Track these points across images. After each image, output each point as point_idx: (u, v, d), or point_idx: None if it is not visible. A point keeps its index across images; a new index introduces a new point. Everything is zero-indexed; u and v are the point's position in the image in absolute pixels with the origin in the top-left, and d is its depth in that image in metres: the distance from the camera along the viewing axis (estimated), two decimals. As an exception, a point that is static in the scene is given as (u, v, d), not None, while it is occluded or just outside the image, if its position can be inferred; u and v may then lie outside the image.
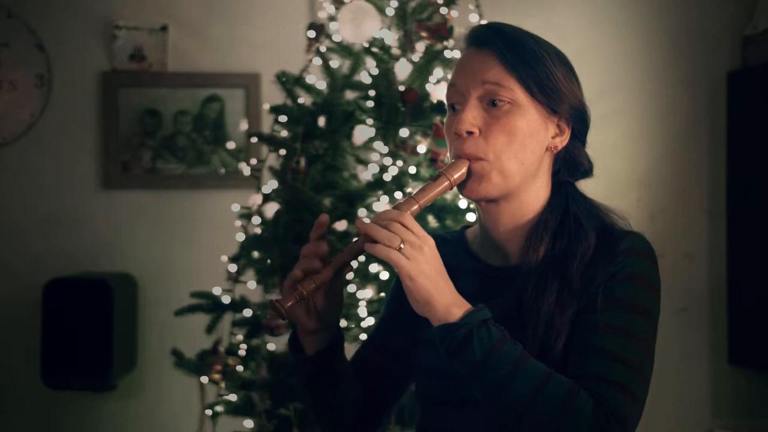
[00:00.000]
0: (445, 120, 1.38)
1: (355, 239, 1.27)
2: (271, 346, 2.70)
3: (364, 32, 2.66)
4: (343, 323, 2.48)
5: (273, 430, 2.60)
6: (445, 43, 2.63)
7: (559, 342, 1.26)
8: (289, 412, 2.53)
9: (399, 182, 2.51)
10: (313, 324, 1.33)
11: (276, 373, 2.64)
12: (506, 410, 1.21)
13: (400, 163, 2.53)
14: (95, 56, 3.58)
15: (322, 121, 2.66)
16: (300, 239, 2.59)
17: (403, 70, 2.60)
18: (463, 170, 1.31)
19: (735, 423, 3.70)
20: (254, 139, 2.91)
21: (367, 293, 2.51)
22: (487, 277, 1.38)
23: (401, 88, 2.56)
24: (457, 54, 2.64)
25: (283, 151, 2.74)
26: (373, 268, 2.50)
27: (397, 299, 1.43)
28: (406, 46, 2.66)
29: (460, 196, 2.52)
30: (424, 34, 2.62)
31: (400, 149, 2.54)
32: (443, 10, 2.67)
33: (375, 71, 2.66)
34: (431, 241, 1.24)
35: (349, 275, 2.52)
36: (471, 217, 2.50)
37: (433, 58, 2.63)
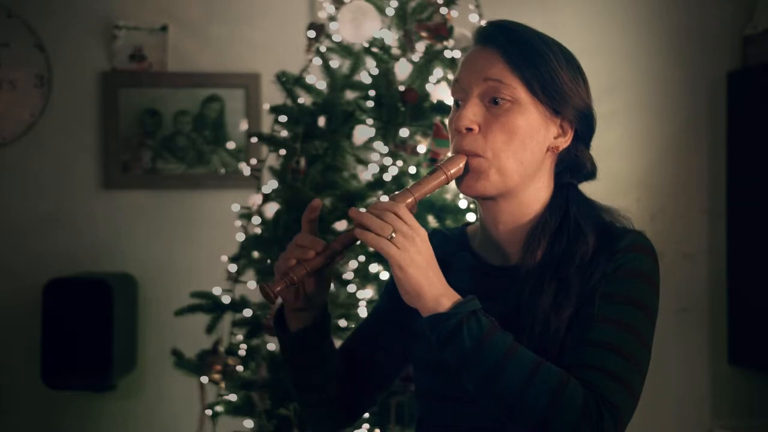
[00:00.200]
0: (449, 116, 1.39)
1: (348, 228, 1.28)
2: (271, 346, 2.70)
3: (364, 32, 2.66)
4: (343, 323, 2.48)
5: (273, 430, 2.60)
6: (445, 43, 2.63)
7: (556, 343, 1.26)
8: (289, 412, 2.53)
9: (399, 182, 2.51)
10: (300, 304, 1.34)
11: (276, 373, 2.64)
12: (497, 400, 1.21)
13: (400, 163, 2.53)
14: (95, 56, 3.58)
15: (322, 121, 2.66)
16: (300, 239, 2.58)
17: (403, 70, 2.60)
18: (460, 165, 1.31)
19: (735, 423, 3.70)
20: (254, 139, 2.91)
21: (367, 293, 2.51)
22: (486, 276, 1.38)
23: (401, 88, 2.56)
24: (457, 54, 2.64)
25: (283, 151, 2.74)
26: (373, 268, 2.50)
27: (391, 293, 1.43)
28: (406, 46, 2.66)
29: (461, 196, 2.53)
30: (424, 34, 2.62)
31: (400, 149, 2.54)
32: (443, 10, 2.67)
33: (375, 71, 2.66)
34: (423, 233, 1.24)
35: (349, 275, 2.53)
36: (471, 217, 2.50)
37: (433, 58, 2.63)
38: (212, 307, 2.74)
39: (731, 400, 3.76)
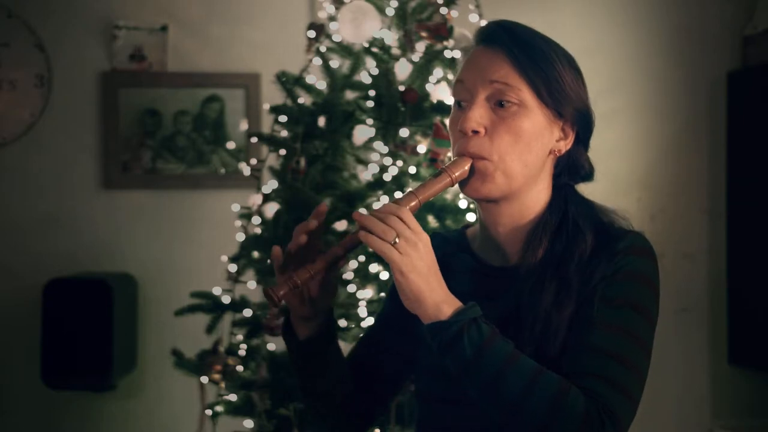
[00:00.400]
0: (449, 116, 1.38)
1: (351, 230, 1.27)
2: (271, 346, 2.70)
3: (364, 32, 2.66)
4: (343, 323, 2.48)
5: (273, 430, 2.60)
6: (445, 43, 2.63)
7: (556, 343, 1.26)
8: (289, 412, 2.53)
9: (399, 182, 2.51)
10: (307, 311, 1.34)
11: (276, 373, 2.64)
12: (498, 407, 1.21)
13: (400, 163, 2.53)
14: (95, 56, 3.58)
15: (322, 121, 2.66)
16: (300, 239, 2.58)
17: (403, 70, 2.60)
18: (465, 168, 1.30)
19: (735, 423, 3.70)
20: (254, 139, 2.91)
21: (367, 293, 2.51)
22: (486, 277, 1.38)
23: (401, 88, 2.56)
24: (457, 54, 2.64)
25: (283, 151, 2.74)
26: (373, 268, 2.50)
27: (393, 297, 1.43)
28: (406, 46, 2.66)
29: (461, 196, 2.53)
30: (424, 34, 2.62)
31: (400, 149, 2.54)
32: (443, 10, 2.67)
33: (375, 71, 2.66)
34: (426, 238, 1.24)
35: (349, 275, 2.53)
36: (471, 217, 2.50)
37: (433, 58, 2.63)
38: (212, 307, 2.74)
39: (731, 400, 3.76)
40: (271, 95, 2.94)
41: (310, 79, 2.77)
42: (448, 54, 2.65)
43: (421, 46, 2.65)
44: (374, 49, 2.70)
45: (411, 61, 2.63)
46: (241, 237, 2.77)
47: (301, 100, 2.75)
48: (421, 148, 2.54)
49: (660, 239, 3.60)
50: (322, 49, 2.76)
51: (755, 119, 3.59)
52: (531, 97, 1.30)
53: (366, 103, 2.65)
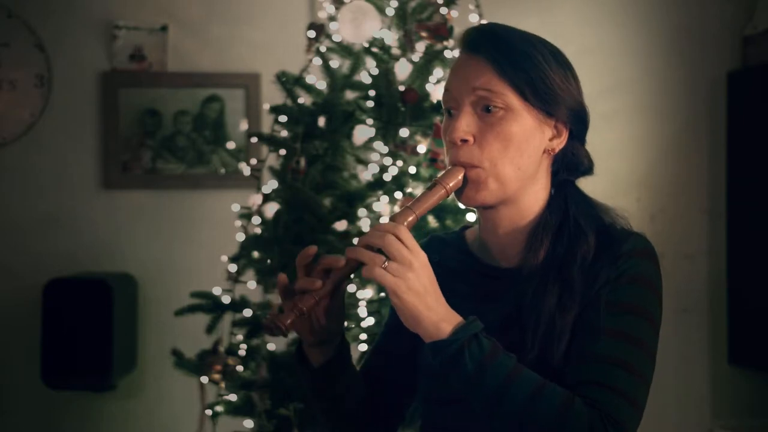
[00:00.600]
0: (442, 124, 1.37)
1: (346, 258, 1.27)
2: (271, 346, 2.70)
3: (364, 32, 2.66)
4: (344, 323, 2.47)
5: (273, 430, 2.60)
6: (445, 43, 2.63)
7: (560, 346, 1.26)
8: (289, 412, 2.53)
9: (399, 182, 2.51)
10: (317, 337, 1.33)
11: (276, 373, 2.64)
12: (502, 421, 1.21)
13: (400, 163, 2.53)
14: (95, 56, 3.58)
15: (322, 121, 2.66)
16: (300, 239, 2.59)
17: (403, 70, 2.60)
18: (459, 178, 1.30)
19: (735, 423, 3.70)
20: (254, 139, 2.91)
21: (367, 293, 2.51)
22: (487, 279, 1.37)
23: (401, 88, 2.56)
24: (457, 54, 2.63)
25: (283, 151, 2.74)
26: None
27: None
28: (406, 46, 2.66)
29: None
30: (424, 34, 2.62)
31: (400, 149, 2.54)
32: (443, 10, 2.67)
33: (375, 71, 2.66)
34: (422, 256, 1.22)
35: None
36: (471, 217, 2.50)
37: (433, 58, 2.63)
38: (212, 307, 2.74)
39: (731, 400, 3.76)
40: (271, 95, 2.94)
41: (310, 79, 2.77)
42: (448, 54, 2.65)
43: (421, 46, 2.65)
44: (374, 49, 2.70)
45: (411, 61, 2.63)
46: (241, 237, 2.77)
47: (301, 100, 2.75)
48: (421, 148, 2.54)
49: (660, 239, 3.60)
50: (322, 49, 2.76)
51: (755, 119, 3.59)
52: (517, 100, 1.29)
53: (366, 103, 2.65)
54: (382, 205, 2.55)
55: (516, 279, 1.32)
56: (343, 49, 2.76)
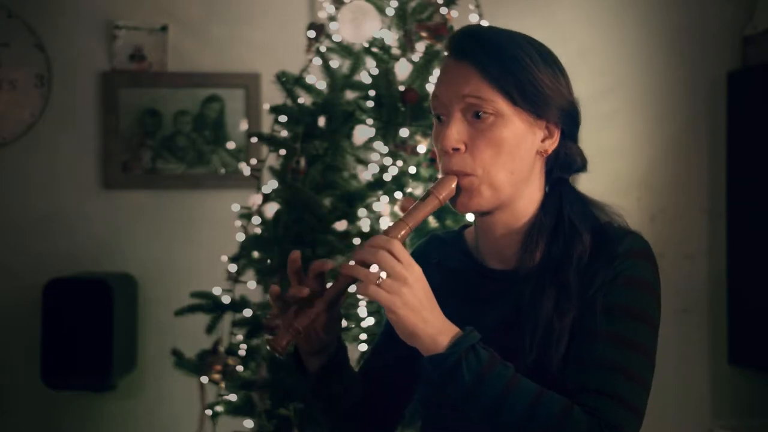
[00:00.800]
0: (432, 130, 1.36)
1: (340, 274, 1.27)
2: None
3: (364, 32, 2.66)
4: (342, 323, 2.47)
5: (273, 430, 2.60)
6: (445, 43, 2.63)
7: (559, 349, 1.25)
8: (289, 412, 2.53)
9: (399, 182, 2.51)
10: (314, 347, 1.34)
11: (276, 373, 2.64)
12: (502, 430, 1.21)
13: (400, 163, 2.53)
14: (95, 56, 3.58)
15: (322, 121, 2.66)
16: (300, 239, 2.59)
17: (403, 70, 2.60)
18: (452, 186, 1.29)
19: (735, 423, 3.70)
20: (254, 139, 2.91)
21: (367, 293, 2.51)
22: (485, 280, 1.37)
23: (401, 88, 2.56)
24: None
25: (283, 151, 2.74)
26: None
27: None
28: (406, 46, 2.66)
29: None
30: (424, 34, 2.62)
31: (400, 149, 2.54)
32: (443, 10, 2.67)
33: (375, 71, 2.66)
34: (417, 270, 1.22)
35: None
36: (470, 216, 2.49)
37: (433, 58, 2.63)
38: (212, 307, 2.74)
39: (731, 400, 3.76)
40: (271, 95, 2.94)
41: (310, 79, 2.77)
42: (448, 54, 2.64)
43: (421, 46, 2.65)
44: (374, 49, 2.70)
45: (411, 61, 2.63)
46: (241, 237, 2.77)
47: (301, 100, 2.75)
48: (421, 148, 2.54)
49: (660, 239, 3.60)
50: (322, 49, 2.76)
51: (755, 119, 3.59)
52: (506, 105, 1.28)
53: (366, 103, 2.65)
54: (382, 205, 2.55)
55: (514, 281, 1.32)
56: (343, 49, 2.76)
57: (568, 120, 1.33)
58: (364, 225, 2.56)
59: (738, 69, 3.74)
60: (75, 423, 3.54)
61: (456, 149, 1.29)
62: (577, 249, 1.29)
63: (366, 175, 2.65)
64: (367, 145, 2.65)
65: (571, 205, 1.34)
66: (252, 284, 2.75)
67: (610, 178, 3.50)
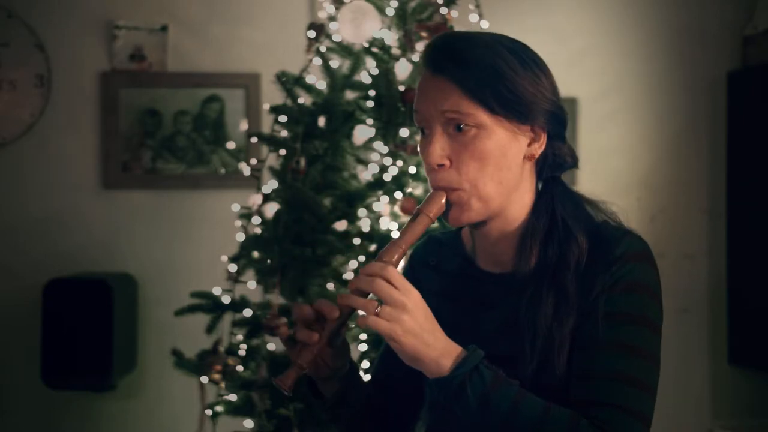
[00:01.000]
0: (418, 143, 1.35)
1: (341, 292, 1.27)
2: (271, 346, 2.70)
3: (364, 32, 2.66)
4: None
5: (273, 430, 2.60)
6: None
7: (561, 358, 1.25)
8: (289, 412, 2.53)
9: (399, 182, 2.51)
10: (324, 373, 1.34)
11: (276, 373, 2.63)
12: None
13: (400, 163, 2.53)
14: (95, 56, 3.58)
15: (322, 121, 2.66)
16: (300, 239, 2.59)
17: (403, 70, 2.60)
18: (442, 202, 1.29)
19: (735, 423, 3.70)
20: (254, 139, 2.91)
21: (367, 293, 2.51)
22: (483, 284, 1.36)
23: (401, 88, 2.56)
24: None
25: (283, 151, 2.74)
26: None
27: None
28: (406, 46, 2.66)
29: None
30: (424, 34, 2.62)
31: (400, 149, 2.54)
32: (443, 10, 2.67)
33: (375, 71, 2.66)
34: (415, 295, 1.21)
35: (349, 275, 2.53)
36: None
37: (433, 58, 2.62)
38: (212, 307, 2.74)
39: (731, 400, 3.77)
40: (271, 95, 2.94)
41: (310, 79, 2.77)
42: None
43: (421, 46, 2.65)
44: (374, 49, 2.70)
45: (411, 61, 2.63)
46: (241, 237, 2.77)
47: (301, 100, 2.75)
48: (421, 148, 2.54)
49: (660, 239, 3.61)
50: (322, 49, 2.76)
51: (755, 119, 3.59)
52: (487, 116, 1.26)
53: (366, 103, 2.65)
54: (382, 205, 2.55)
55: (512, 285, 1.31)
56: (343, 49, 2.76)
57: (553, 121, 1.31)
58: (364, 225, 2.56)
59: (738, 69, 3.74)
60: (75, 423, 3.54)
61: (441, 165, 1.28)
62: (573, 252, 1.28)
63: (366, 175, 2.65)
64: (367, 145, 2.65)
65: (564, 206, 1.33)
66: (252, 284, 2.75)
67: (610, 178, 3.50)
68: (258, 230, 2.73)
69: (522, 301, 1.28)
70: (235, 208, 2.85)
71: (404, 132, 2.53)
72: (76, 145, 3.58)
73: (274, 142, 2.75)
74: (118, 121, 3.58)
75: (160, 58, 3.58)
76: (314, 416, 2.40)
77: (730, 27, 3.78)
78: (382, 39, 2.71)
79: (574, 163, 1.35)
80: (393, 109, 2.58)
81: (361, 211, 2.58)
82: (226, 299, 2.73)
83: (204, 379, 2.69)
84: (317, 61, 2.75)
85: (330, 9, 2.75)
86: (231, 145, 3.56)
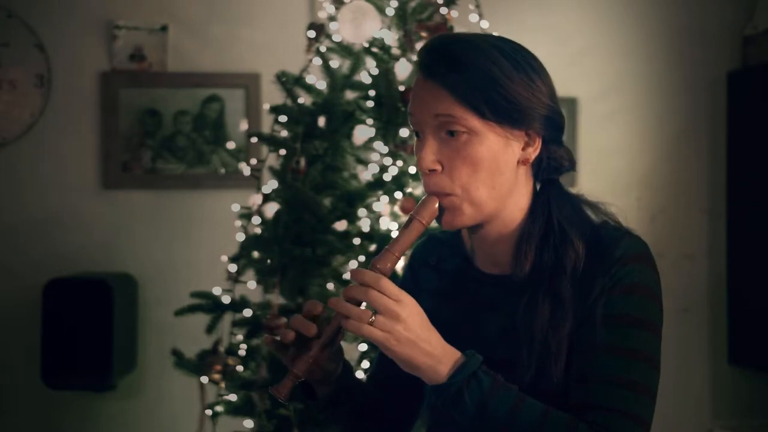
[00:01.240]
0: (414, 145, 1.35)
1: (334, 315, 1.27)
2: (271, 346, 2.70)
3: (364, 32, 2.66)
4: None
5: (273, 430, 2.60)
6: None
7: (558, 364, 1.24)
8: (289, 412, 2.53)
9: (399, 182, 2.51)
10: (319, 376, 1.34)
11: (276, 373, 2.64)
12: None
13: (400, 163, 2.53)
14: (95, 56, 3.58)
15: (322, 121, 2.66)
16: (300, 239, 2.59)
17: (403, 70, 2.60)
18: (435, 207, 1.28)
19: (735, 423, 3.70)
20: (254, 139, 2.91)
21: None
22: (483, 285, 1.36)
23: (401, 88, 2.56)
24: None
25: (283, 151, 2.74)
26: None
27: None
28: (406, 46, 2.66)
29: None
30: (424, 34, 2.62)
31: (400, 149, 2.54)
32: (443, 10, 2.67)
33: (375, 71, 2.66)
34: (409, 304, 1.21)
35: (348, 275, 2.53)
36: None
37: (433, 58, 2.62)
38: (212, 307, 2.74)
39: (731, 400, 3.77)
40: (271, 95, 2.94)
41: (310, 79, 2.77)
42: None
43: (420, 46, 2.64)
44: (374, 49, 2.70)
45: (411, 61, 2.63)
46: (241, 237, 2.77)
47: (301, 100, 2.75)
48: (421, 148, 2.54)
49: (660, 239, 3.61)
50: (322, 49, 2.76)
51: (755, 119, 3.59)
52: (479, 122, 1.25)
53: (366, 103, 2.65)
54: (382, 205, 2.55)
55: (510, 286, 1.30)
56: (343, 49, 2.76)
57: (549, 125, 1.29)
58: (364, 225, 2.56)
59: (738, 69, 3.74)
60: (75, 423, 3.54)
61: (432, 170, 1.27)
62: (570, 256, 1.27)
63: (366, 175, 2.65)
64: (367, 145, 2.65)
65: (560, 209, 1.32)
66: (252, 284, 2.75)
67: (609, 178, 3.50)
68: (258, 230, 2.73)
69: (519, 309, 1.27)
70: (235, 208, 2.85)
71: (404, 132, 2.53)
72: (76, 145, 3.58)
73: (274, 142, 2.75)
74: (118, 121, 3.58)
75: (160, 58, 3.58)
76: (314, 416, 2.40)
77: (730, 27, 3.78)
78: (382, 39, 2.71)
79: (571, 166, 1.34)
80: (393, 109, 2.58)
81: (361, 211, 2.58)
82: (226, 299, 2.73)
83: (204, 379, 2.69)
84: (317, 61, 2.75)
85: (330, 9, 2.75)
86: (231, 145, 3.56)
